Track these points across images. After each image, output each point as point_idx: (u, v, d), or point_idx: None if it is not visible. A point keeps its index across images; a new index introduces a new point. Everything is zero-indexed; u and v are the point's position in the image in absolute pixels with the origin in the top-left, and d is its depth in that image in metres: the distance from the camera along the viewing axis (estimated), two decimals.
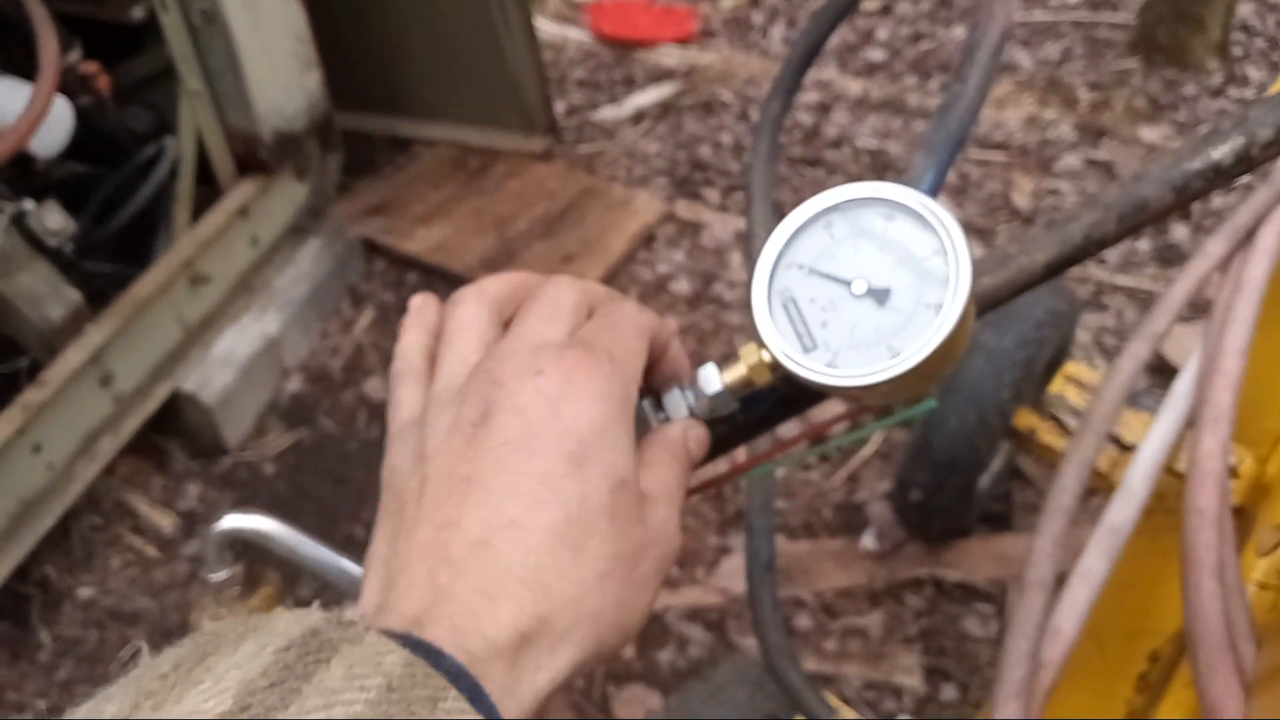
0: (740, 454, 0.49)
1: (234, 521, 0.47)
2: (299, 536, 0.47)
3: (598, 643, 0.34)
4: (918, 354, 0.35)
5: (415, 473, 0.36)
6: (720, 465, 0.46)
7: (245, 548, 0.49)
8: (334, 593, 0.48)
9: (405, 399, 0.39)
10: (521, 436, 0.34)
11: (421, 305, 0.42)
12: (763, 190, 0.68)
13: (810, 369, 0.37)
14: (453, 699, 0.28)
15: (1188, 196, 0.40)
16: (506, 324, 0.40)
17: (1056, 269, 0.41)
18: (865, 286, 0.37)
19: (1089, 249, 0.41)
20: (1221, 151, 0.40)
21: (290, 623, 0.29)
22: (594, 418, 0.35)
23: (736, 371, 0.40)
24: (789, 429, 0.48)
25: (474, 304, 0.40)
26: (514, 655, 0.31)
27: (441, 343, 0.40)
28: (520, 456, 0.34)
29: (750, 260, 0.44)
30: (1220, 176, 0.40)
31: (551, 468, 0.34)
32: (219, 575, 0.48)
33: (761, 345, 0.38)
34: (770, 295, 0.39)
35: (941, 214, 0.37)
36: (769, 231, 0.40)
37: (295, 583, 0.53)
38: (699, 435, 0.41)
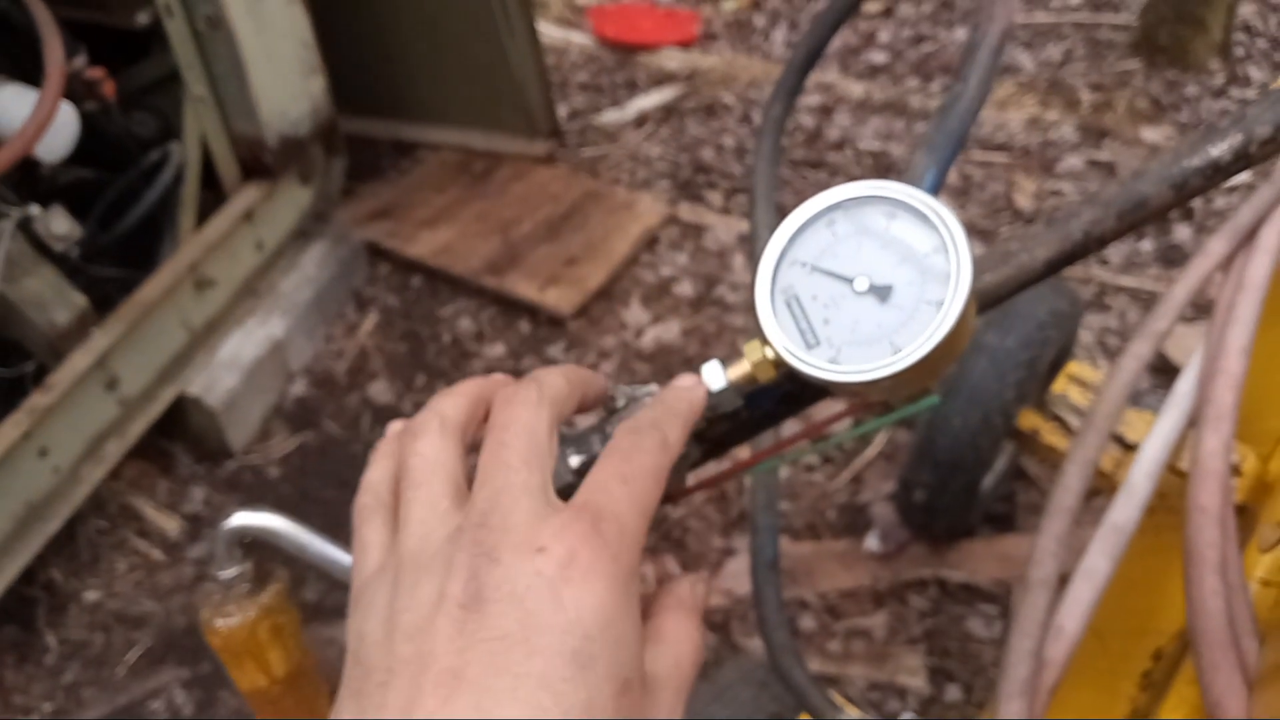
0: (743, 453, 0.49)
1: (243, 519, 0.47)
2: (308, 534, 0.47)
3: None
4: (919, 350, 0.36)
5: (389, 649, 0.31)
6: (723, 463, 0.47)
7: (254, 545, 0.49)
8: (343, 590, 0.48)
9: (373, 541, 0.36)
10: (520, 629, 0.30)
11: (399, 433, 0.39)
12: (765, 192, 0.69)
13: (813, 365, 0.37)
14: None
15: (1187, 194, 0.41)
16: (476, 447, 0.36)
17: (1057, 266, 0.41)
18: (867, 284, 0.37)
19: (1089, 246, 0.41)
20: (1220, 149, 0.40)
21: None
22: (600, 607, 0.31)
23: (740, 368, 0.40)
24: (792, 427, 0.48)
25: (435, 436, 0.36)
26: None
27: (404, 485, 0.36)
28: (519, 654, 0.29)
29: (753, 261, 0.45)
30: (1219, 173, 0.40)
31: (553, 669, 0.29)
32: (228, 573, 0.49)
33: (765, 342, 0.39)
34: (773, 293, 0.39)
35: (942, 212, 0.37)
36: (772, 233, 0.40)
37: (302, 584, 0.53)
38: (704, 591, 0.39)
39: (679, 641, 0.35)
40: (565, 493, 0.35)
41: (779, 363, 0.39)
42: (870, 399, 0.40)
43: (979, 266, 0.39)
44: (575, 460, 0.41)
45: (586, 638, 0.30)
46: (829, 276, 0.38)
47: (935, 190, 0.44)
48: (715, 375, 0.40)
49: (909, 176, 0.44)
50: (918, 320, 0.36)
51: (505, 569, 0.31)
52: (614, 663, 0.30)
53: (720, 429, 0.43)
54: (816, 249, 0.39)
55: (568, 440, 0.42)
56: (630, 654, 0.31)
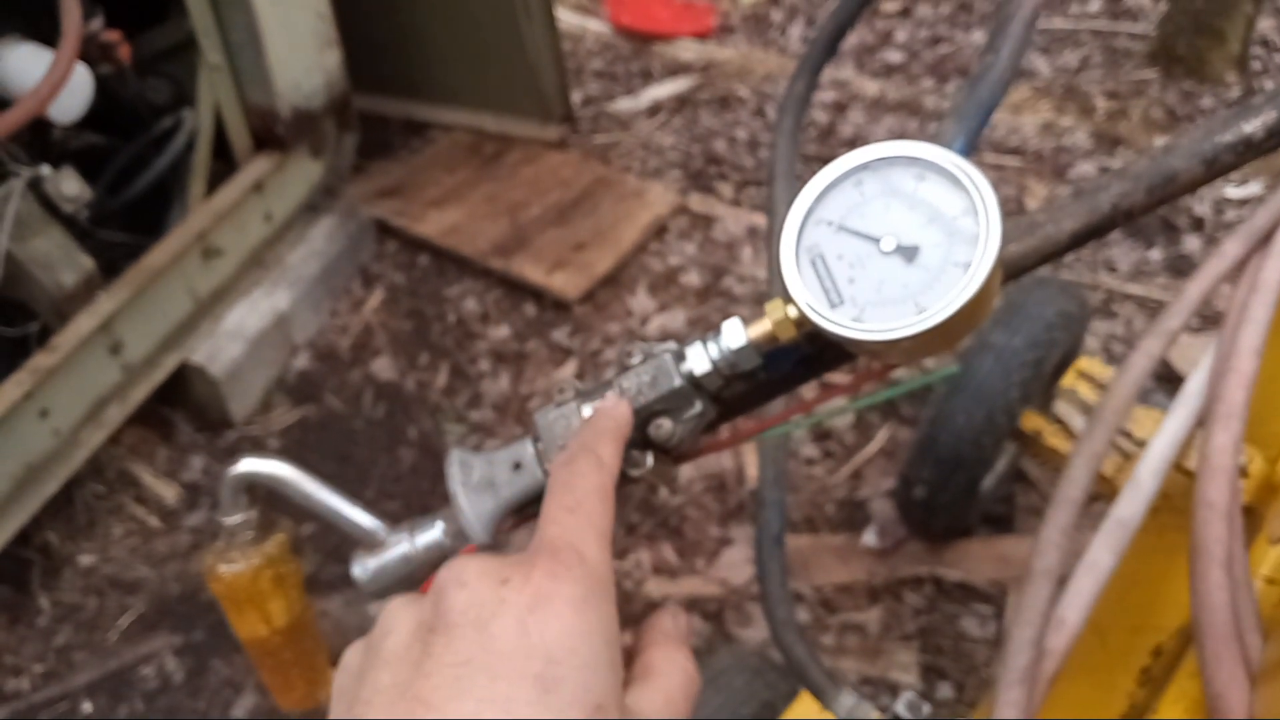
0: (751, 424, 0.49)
1: (250, 464, 0.47)
2: (315, 483, 0.47)
3: None
4: (944, 310, 0.35)
5: (364, 678, 0.32)
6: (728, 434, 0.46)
7: (261, 494, 0.49)
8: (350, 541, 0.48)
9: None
10: (483, 655, 0.30)
11: None
12: (785, 169, 0.68)
13: (836, 323, 0.37)
14: None
15: (1218, 169, 0.40)
16: None
17: (1083, 238, 0.41)
18: (894, 244, 0.37)
19: (1116, 219, 0.41)
20: (1253, 125, 0.40)
21: None
22: (565, 633, 0.31)
23: (761, 326, 0.40)
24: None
25: None
26: None
27: None
28: (482, 679, 0.30)
29: (773, 231, 0.44)
30: (1250, 150, 0.40)
31: (515, 694, 0.30)
32: (233, 519, 0.49)
33: (788, 300, 0.38)
34: (798, 251, 0.39)
35: (974, 174, 0.37)
36: (790, 208, 0.40)
37: (298, 556, 0.53)
38: (685, 622, 0.39)
39: (668, 674, 0.36)
40: None
41: (801, 321, 0.38)
42: (890, 361, 0.40)
43: (1005, 235, 0.38)
44: (587, 410, 0.41)
45: (550, 661, 0.30)
46: (855, 236, 0.38)
47: (964, 156, 0.44)
48: (736, 332, 0.40)
49: (938, 141, 0.44)
50: (944, 281, 0.36)
51: (471, 593, 0.32)
52: (581, 687, 0.30)
53: (737, 390, 0.43)
54: (843, 208, 0.39)
55: (582, 394, 0.42)
56: (601, 679, 0.31)
